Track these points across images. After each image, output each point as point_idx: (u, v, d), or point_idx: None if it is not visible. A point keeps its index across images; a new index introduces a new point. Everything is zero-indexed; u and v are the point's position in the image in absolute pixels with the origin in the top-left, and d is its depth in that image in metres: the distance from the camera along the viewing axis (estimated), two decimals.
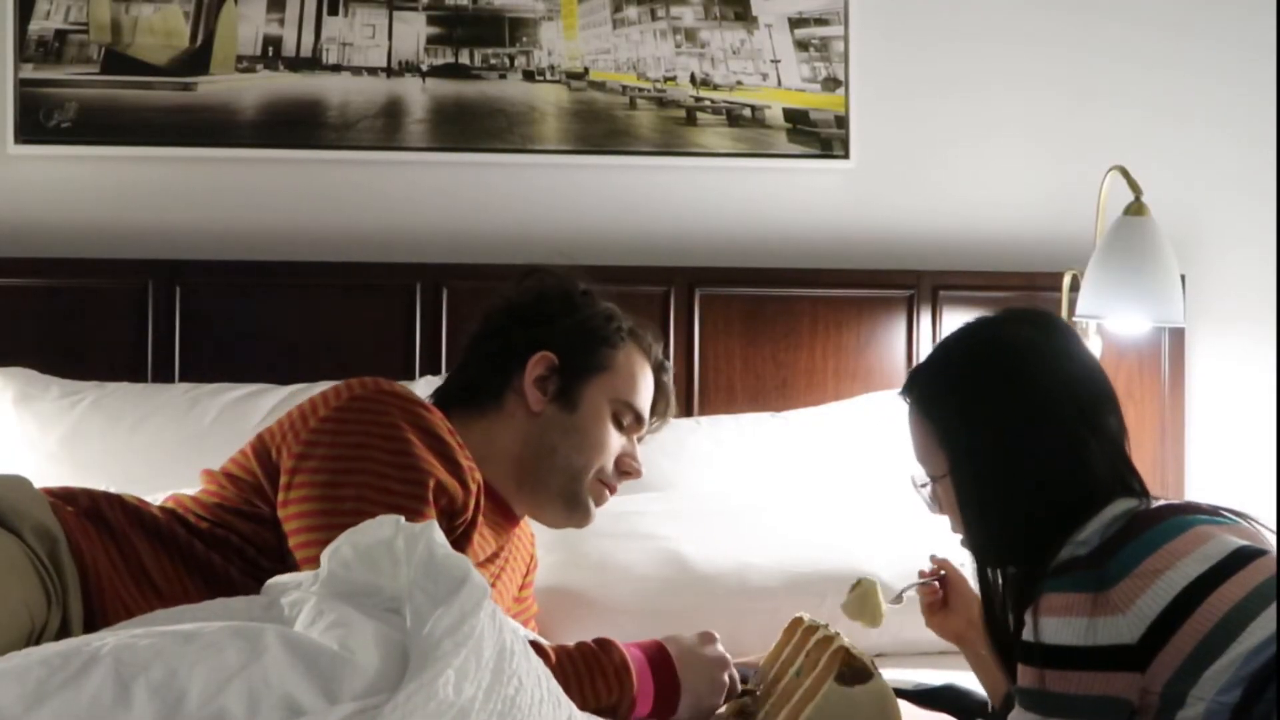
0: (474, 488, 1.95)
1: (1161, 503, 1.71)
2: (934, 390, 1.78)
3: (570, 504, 2.09)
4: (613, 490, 2.12)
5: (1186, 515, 1.65)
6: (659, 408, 2.17)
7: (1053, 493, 1.69)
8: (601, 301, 2.13)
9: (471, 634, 1.33)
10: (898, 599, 2.02)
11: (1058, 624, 1.58)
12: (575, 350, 2.07)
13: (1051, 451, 1.70)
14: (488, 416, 2.07)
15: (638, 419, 2.11)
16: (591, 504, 2.10)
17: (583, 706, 1.69)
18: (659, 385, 2.16)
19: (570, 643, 1.86)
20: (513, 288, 2.15)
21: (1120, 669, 1.56)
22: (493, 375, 2.08)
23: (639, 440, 2.14)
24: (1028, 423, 1.71)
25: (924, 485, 1.82)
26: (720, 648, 1.93)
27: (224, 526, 1.92)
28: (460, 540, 1.95)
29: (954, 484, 1.75)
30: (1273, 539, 1.68)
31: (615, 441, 2.09)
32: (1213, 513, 1.69)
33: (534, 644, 1.83)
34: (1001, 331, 1.79)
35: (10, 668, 1.28)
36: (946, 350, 1.83)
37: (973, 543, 1.76)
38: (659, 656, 1.87)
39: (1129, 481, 1.72)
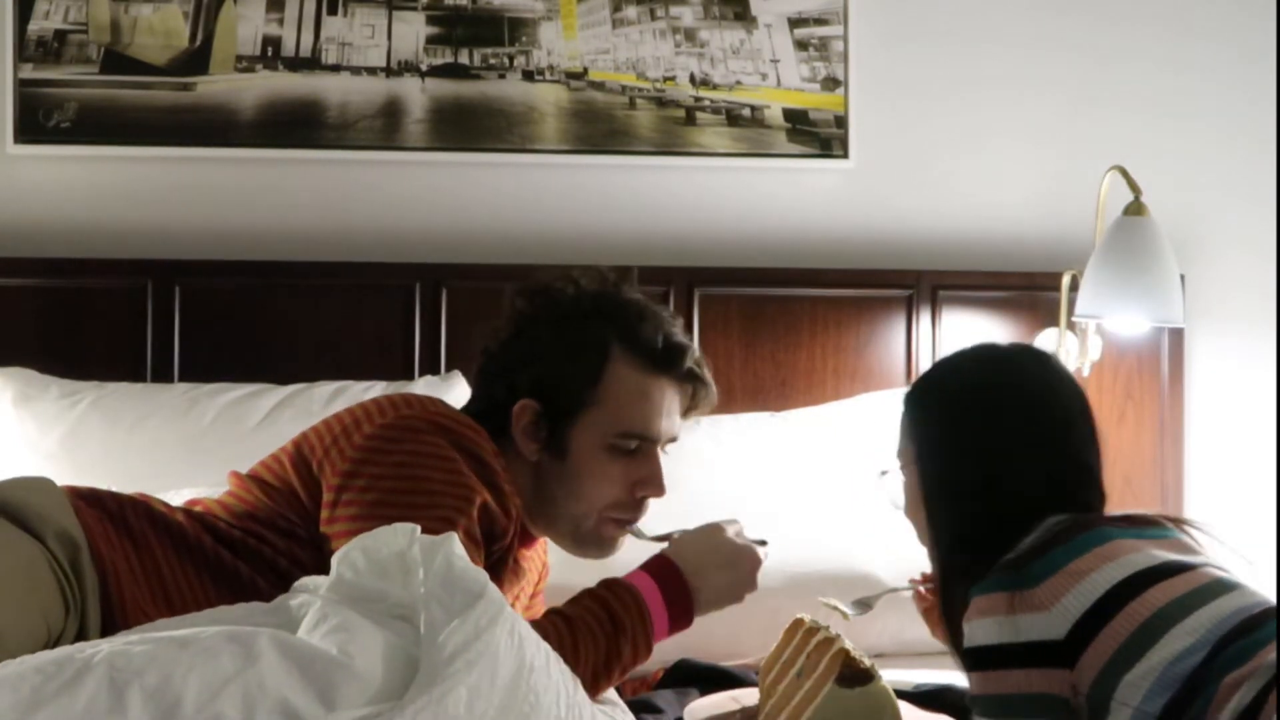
0: (514, 513, 1.94)
1: (1096, 515, 1.73)
2: (928, 399, 1.83)
3: (580, 546, 2.05)
4: (633, 520, 2.05)
5: (1114, 528, 1.66)
6: (699, 394, 2.06)
7: (995, 504, 1.72)
8: (588, 323, 2.00)
9: (486, 651, 1.33)
10: (866, 607, 2.02)
11: (982, 625, 1.60)
12: (554, 394, 1.98)
13: (1009, 469, 1.74)
14: (503, 456, 1.99)
15: (646, 439, 2.01)
16: (604, 541, 2.04)
17: (611, 672, 1.89)
18: (685, 375, 2.03)
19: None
20: (498, 322, 2.06)
21: (1049, 665, 1.56)
22: (491, 425, 2.00)
23: (664, 450, 2.05)
24: (1004, 446, 1.75)
25: (888, 474, 1.87)
26: (733, 533, 2.03)
27: (256, 537, 1.88)
28: (496, 565, 1.94)
29: (919, 482, 1.79)
30: (1218, 550, 1.69)
31: (618, 474, 2.00)
32: (1149, 524, 1.69)
33: (553, 620, 1.88)
34: (1005, 359, 1.84)
35: (5, 675, 1.27)
36: (955, 366, 1.87)
37: (930, 545, 1.80)
38: (665, 573, 1.95)
39: (1082, 498, 1.74)
